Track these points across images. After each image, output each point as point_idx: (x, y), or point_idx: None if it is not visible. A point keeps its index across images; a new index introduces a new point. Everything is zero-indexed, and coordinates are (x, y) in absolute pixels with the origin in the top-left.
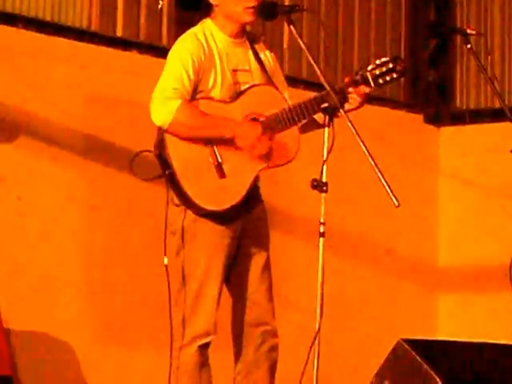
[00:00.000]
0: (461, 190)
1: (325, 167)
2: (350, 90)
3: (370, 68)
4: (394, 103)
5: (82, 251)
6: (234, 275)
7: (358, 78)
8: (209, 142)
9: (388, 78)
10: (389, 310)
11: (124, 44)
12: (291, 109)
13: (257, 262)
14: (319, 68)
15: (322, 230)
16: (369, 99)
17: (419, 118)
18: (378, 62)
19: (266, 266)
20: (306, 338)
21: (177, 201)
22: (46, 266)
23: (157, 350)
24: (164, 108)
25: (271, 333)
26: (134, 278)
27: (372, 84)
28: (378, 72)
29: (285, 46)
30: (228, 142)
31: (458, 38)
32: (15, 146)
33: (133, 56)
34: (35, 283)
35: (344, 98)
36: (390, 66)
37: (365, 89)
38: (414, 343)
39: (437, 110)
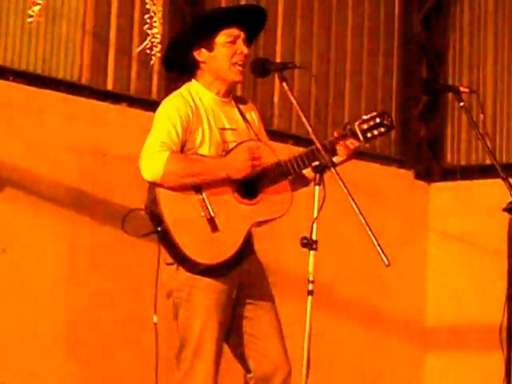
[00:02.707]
0: (450, 246)
1: (315, 225)
2: (340, 143)
3: (358, 122)
4: (384, 159)
5: (68, 306)
6: (236, 337)
7: (346, 132)
8: (201, 195)
9: (376, 133)
10: (376, 369)
11: (114, 97)
12: (282, 163)
13: (261, 322)
14: (310, 125)
15: (310, 288)
16: (360, 155)
17: (410, 173)
18: (365, 116)
19: (274, 315)
20: None
21: (169, 259)
22: (30, 320)
23: None
24: (153, 162)
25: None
26: (123, 335)
27: (361, 138)
28: (365, 126)
29: (275, 100)
30: (221, 192)
31: (450, 95)
32: (1, 198)
33: (123, 109)
34: (20, 337)
35: (333, 153)
36: (378, 120)
37: (354, 143)
38: None
39: (427, 166)
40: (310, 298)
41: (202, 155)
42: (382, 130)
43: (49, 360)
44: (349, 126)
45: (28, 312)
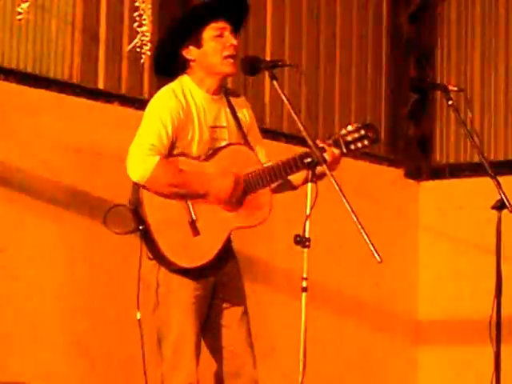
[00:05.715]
0: (440, 244)
1: (308, 223)
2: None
3: (342, 133)
4: (374, 158)
5: (63, 303)
6: (210, 329)
7: (330, 142)
8: (184, 198)
9: (360, 145)
10: (369, 364)
11: (105, 96)
12: (270, 168)
13: (232, 314)
14: (301, 123)
15: (304, 285)
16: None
17: (399, 172)
18: (350, 128)
19: (243, 318)
20: None
21: (150, 255)
22: (27, 319)
23: None
24: (142, 165)
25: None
26: (116, 331)
27: (344, 150)
28: (350, 138)
29: (266, 99)
30: (203, 198)
31: (438, 93)
32: None
33: (114, 108)
34: (16, 335)
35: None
36: (362, 132)
37: (336, 153)
38: None
39: (417, 164)
40: (304, 294)
41: (188, 155)
42: (366, 142)
43: (47, 356)
44: (333, 137)
45: (25, 311)
